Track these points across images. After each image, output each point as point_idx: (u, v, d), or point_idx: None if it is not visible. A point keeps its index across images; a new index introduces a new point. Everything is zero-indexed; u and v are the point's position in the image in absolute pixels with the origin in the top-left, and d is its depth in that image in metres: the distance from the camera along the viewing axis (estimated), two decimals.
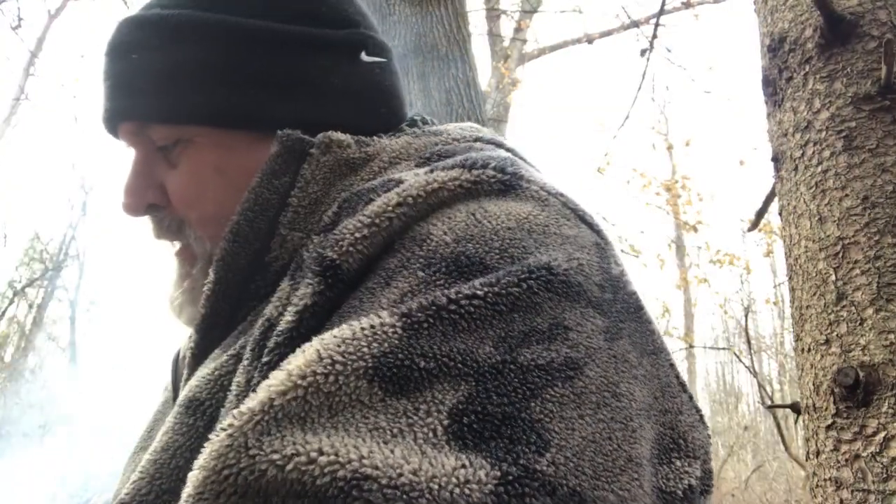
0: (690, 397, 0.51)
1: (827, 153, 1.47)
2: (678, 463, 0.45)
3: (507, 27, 9.22)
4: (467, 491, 0.34)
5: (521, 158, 0.61)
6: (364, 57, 0.63)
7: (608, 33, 9.05)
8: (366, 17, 0.67)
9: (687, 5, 7.81)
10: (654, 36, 4.55)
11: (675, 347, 9.90)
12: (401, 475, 0.34)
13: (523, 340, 0.41)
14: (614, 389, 0.42)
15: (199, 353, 0.59)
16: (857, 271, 1.36)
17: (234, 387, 0.49)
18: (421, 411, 0.37)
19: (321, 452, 0.34)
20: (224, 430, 0.37)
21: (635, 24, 6.90)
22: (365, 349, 0.39)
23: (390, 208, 0.48)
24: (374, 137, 0.61)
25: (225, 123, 0.59)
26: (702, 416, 0.51)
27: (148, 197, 0.62)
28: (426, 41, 3.05)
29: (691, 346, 9.68)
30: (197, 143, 0.60)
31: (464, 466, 0.35)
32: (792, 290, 1.56)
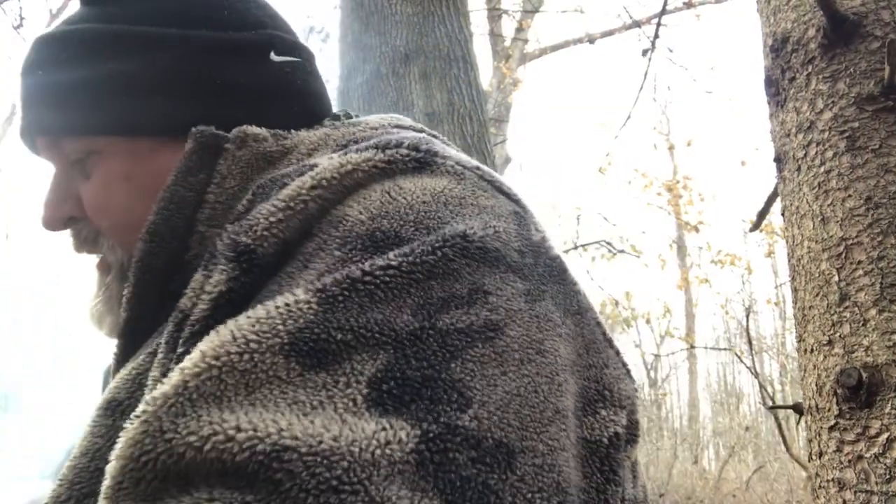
0: (617, 352, 0.53)
1: (830, 154, 1.47)
2: (603, 413, 0.47)
3: (508, 27, 9.22)
4: (388, 451, 0.35)
5: (439, 140, 0.61)
6: (273, 57, 0.63)
7: (610, 33, 9.06)
8: (275, 18, 0.67)
9: (688, 5, 7.81)
10: (656, 36, 4.54)
11: (676, 347, 9.91)
12: (321, 442, 0.34)
13: (442, 307, 0.41)
14: (538, 347, 0.43)
15: (122, 358, 0.59)
16: (861, 272, 1.36)
17: (149, 381, 0.48)
18: (340, 383, 0.37)
19: (239, 429, 0.34)
20: (138, 416, 0.36)
21: (637, 24, 6.90)
22: (280, 326, 0.39)
23: (304, 191, 0.48)
24: (292, 131, 0.60)
25: (129, 131, 0.60)
26: (628, 370, 0.53)
27: (65, 210, 0.63)
28: (428, 41, 3.05)
29: (692, 347, 9.67)
30: (105, 153, 0.60)
31: (384, 429, 0.36)
32: (794, 290, 1.56)
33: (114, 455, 0.36)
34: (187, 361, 0.38)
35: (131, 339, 0.58)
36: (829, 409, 1.38)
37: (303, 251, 0.46)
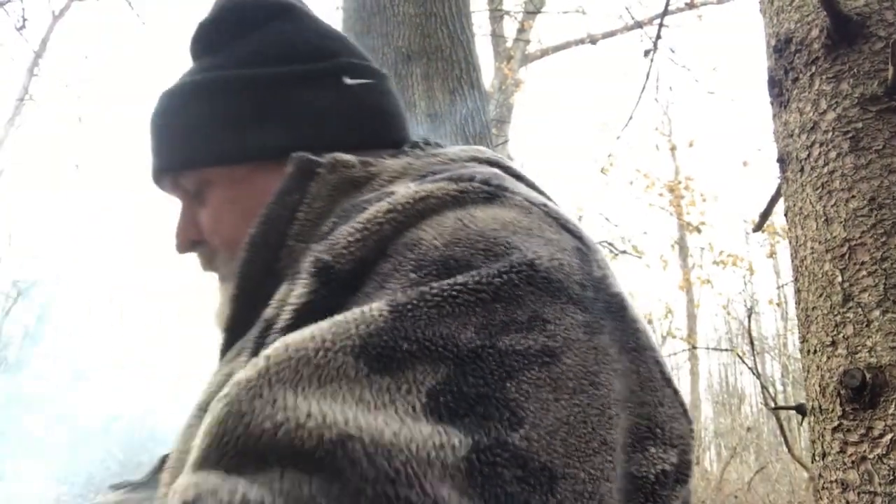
0: (675, 392, 0.54)
1: (833, 154, 1.46)
2: (652, 450, 0.49)
3: (510, 28, 9.22)
4: (442, 454, 0.37)
5: (514, 175, 0.66)
6: (346, 80, 0.72)
7: (611, 34, 9.06)
8: (348, 46, 0.76)
9: (690, 6, 7.80)
10: (658, 37, 4.54)
11: (677, 348, 9.89)
12: (382, 436, 0.37)
13: (503, 329, 0.44)
14: (593, 378, 0.45)
15: (224, 351, 0.66)
16: (864, 273, 1.36)
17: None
18: (402, 389, 0.40)
19: (309, 416, 0.38)
20: (224, 397, 0.40)
21: (639, 25, 6.90)
22: (353, 330, 0.42)
23: (380, 214, 0.52)
24: (378, 158, 0.67)
25: (228, 161, 0.70)
26: (685, 411, 0.55)
27: (189, 234, 0.74)
28: (430, 42, 3.05)
29: (694, 348, 9.66)
30: (214, 182, 0.71)
31: (439, 434, 0.38)
32: (798, 291, 1.55)
33: (201, 431, 0.40)
34: (271, 349, 0.42)
35: (231, 335, 0.66)
36: (832, 411, 1.38)
37: (378, 271, 0.50)
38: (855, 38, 1.49)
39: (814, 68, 1.55)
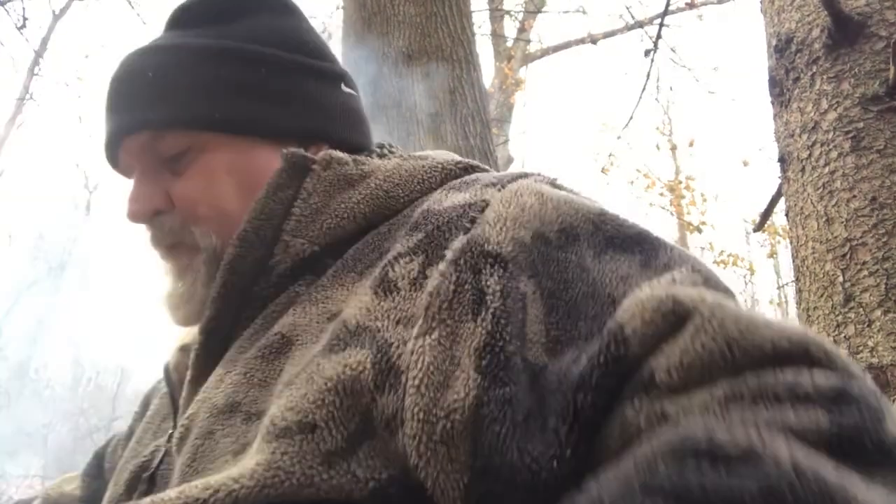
0: None
1: (834, 154, 1.46)
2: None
3: (510, 28, 9.22)
4: None
5: None
6: (343, 87, 0.76)
7: (612, 34, 9.05)
8: (336, 58, 0.79)
9: (691, 6, 7.80)
10: (659, 36, 4.53)
11: None
12: None
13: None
14: None
15: (205, 353, 0.63)
16: (865, 272, 1.36)
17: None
18: None
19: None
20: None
21: (639, 25, 6.90)
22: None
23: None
24: (368, 157, 0.68)
25: (235, 130, 0.68)
26: None
27: (154, 203, 0.69)
28: (430, 42, 3.05)
29: None
30: (209, 149, 0.68)
31: None
32: (799, 291, 1.55)
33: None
34: None
35: (212, 336, 0.64)
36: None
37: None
38: (856, 38, 1.49)
39: (815, 68, 1.54)
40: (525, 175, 0.60)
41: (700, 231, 9.03)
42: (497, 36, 8.83)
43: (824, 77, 1.52)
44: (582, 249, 0.52)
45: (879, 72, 1.44)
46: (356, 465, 0.47)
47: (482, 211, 0.56)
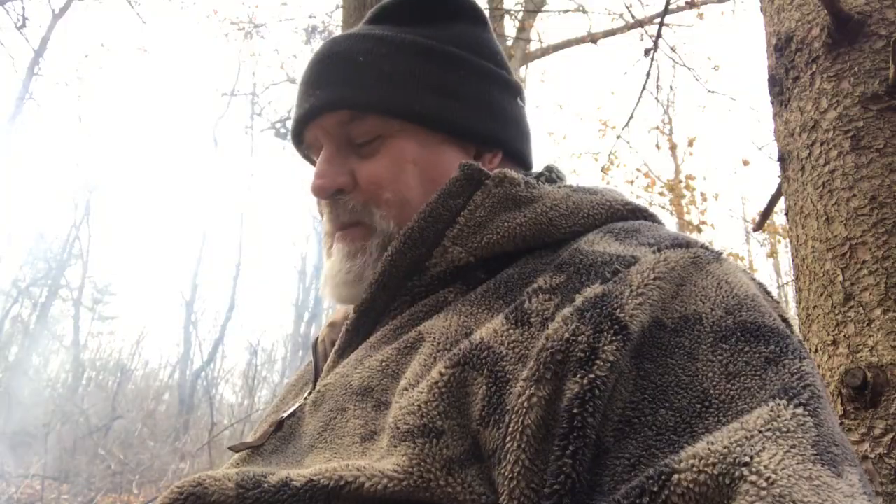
0: None
1: (834, 153, 1.46)
2: None
3: (510, 27, 9.21)
4: None
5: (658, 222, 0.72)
6: (518, 100, 0.80)
7: (612, 33, 9.04)
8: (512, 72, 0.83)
9: (691, 5, 7.79)
10: (659, 36, 4.53)
11: None
12: None
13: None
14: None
15: (353, 330, 0.69)
16: (865, 272, 1.36)
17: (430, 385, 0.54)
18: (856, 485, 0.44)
19: None
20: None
21: (639, 24, 6.89)
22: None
23: (651, 280, 0.53)
24: (538, 182, 0.70)
25: (428, 123, 0.73)
26: None
27: (339, 181, 0.73)
28: None
29: None
30: (401, 137, 0.73)
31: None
32: (798, 290, 1.55)
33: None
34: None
35: (364, 318, 0.69)
36: (833, 409, 1.37)
37: (674, 344, 0.50)
38: (856, 37, 1.48)
39: (814, 67, 1.54)
40: (687, 244, 0.58)
41: (700, 230, 9.04)
42: (497, 35, 8.82)
43: (824, 76, 1.52)
44: (700, 335, 0.51)
45: (879, 70, 1.44)
46: (472, 479, 0.49)
47: (628, 266, 0.55)
